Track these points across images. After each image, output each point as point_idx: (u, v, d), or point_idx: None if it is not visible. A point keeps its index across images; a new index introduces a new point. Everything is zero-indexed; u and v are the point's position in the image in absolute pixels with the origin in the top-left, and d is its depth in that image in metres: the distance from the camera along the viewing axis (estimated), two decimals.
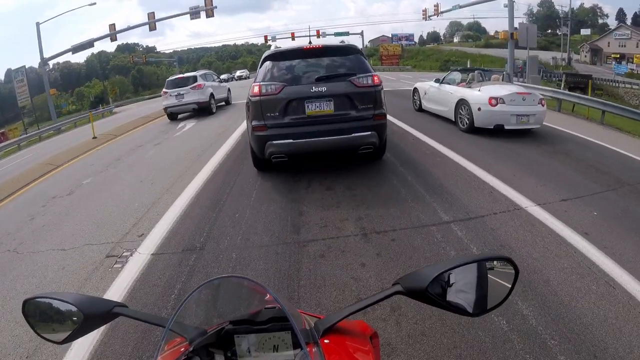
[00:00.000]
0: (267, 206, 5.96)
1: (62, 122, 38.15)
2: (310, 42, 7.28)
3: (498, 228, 4.96)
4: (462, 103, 10.75)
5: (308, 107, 6.40)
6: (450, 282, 1.13)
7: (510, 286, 1.16)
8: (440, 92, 12.23)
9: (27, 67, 43.19)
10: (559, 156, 8.50)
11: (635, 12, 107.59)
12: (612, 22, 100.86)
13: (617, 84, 43.71)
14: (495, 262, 1.18)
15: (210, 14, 36.68)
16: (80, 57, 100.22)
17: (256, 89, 6.51)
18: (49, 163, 13.04)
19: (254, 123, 6.56)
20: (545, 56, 59.65)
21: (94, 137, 16.80)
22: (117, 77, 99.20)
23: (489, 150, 8.76)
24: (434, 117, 12.62)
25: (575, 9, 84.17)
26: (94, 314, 1.23)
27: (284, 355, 1.17)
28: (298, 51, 7.05)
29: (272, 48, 8.47)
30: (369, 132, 6.53)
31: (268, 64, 6.86)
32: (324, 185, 6.64)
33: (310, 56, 7.01)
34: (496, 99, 9.82)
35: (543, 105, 10.34)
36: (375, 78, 6.63)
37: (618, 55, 72.17)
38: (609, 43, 78.08)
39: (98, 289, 4.29)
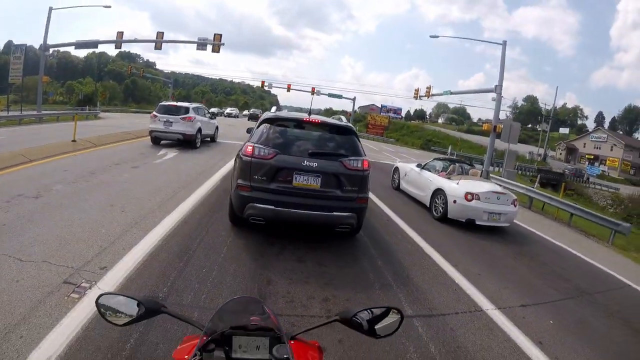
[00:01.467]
0: (236, 267, 5.85)
1: (46, 112, 37.74)
2: (309, 114, 7.39)
3: (458, 328, 5.05)
4: (439, 192, 11.11)
5: (296, 178, 6.47)
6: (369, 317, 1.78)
7: (397, 324, 1.79)
8: (421, 177, 12.65)
9: (27, 45, 42.72)
10: (525, 259, 8.87)
11: (614, 117, 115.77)
12: (590, 124, 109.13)
13: (587, 185, 46.32)
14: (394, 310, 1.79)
15: (216, 49, 37.10)
16: (80, 52, 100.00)
17: (249, 149, 6.58)
18: (21, 154, 12.73)
19: (239, 181, 6.62)
20: (523, 149, 61.87)
21: (73, 140, 16.52)
22: (111, 82, 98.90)
23: (459, 244, 9.01)
24: (410, 198, 13.03)
25: (557, 107, 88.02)
26: (149, 310, 1.72)
27: (261, 353, 1.61)
28: (297, 121, 7.19)
29: (273, 110, 8.63)
30: (350, 214, 6.65)
31: (266, 126, 7.00)
32: (295, 256, 6.57)
33: (307, 128, 7.19)
34: (472, 194, 10.24)
35: (515, 206, 10.83)
36: (365, 162, 6.81)
37: (592, 157, 76.55)
38: (585, 144, 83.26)
39: (51, 316, 4.12)
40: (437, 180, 11.57)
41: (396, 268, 6.76)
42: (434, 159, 14.26)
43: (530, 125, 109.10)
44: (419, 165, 13.44)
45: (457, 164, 12.51)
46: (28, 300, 4.38)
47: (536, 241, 10.92)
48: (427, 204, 11.67)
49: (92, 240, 6.25)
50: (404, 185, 13.87)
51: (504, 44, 29.45)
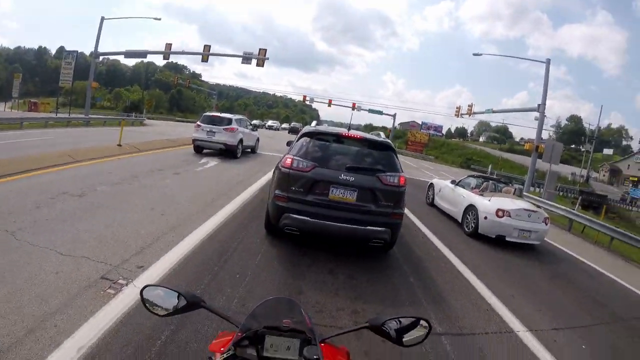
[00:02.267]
0: (268, 275, 5.93)
1: (93, 116, 39.20)
2: (349, 129, 7.46)
3: (486, 348, 4.96)
4: (471, 208, 11.37)
5: (332, 191, 6.52)
6: (397, 326, 1.80)
7: (424, 335, 1.81)
8: (454, 193, 12.93)
9: (78, 52, 44.53)
10: (560, 281, 8.63)
11: None
12: (636, 145, 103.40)
13: (630, 208, 44.93)
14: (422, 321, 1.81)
15: (260, 63, 38.14)
16: (129, 61, 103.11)
17: (288, 161, 6.70)
18: (68, 155, 13.22)
19: (277, 192, 6.71)
20: (565, 170, 60.10)
21: (119, 145, 17.04)
22: (158, 91, 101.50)
23: (494, 264, 8.85)
24: (443, 214, 13.36)
25: (602, 127, 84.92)
26: (190, 303, 1.82)
27: (291, 353, 1.67)
28: (336, 135, 7.26)
29: (313, 124, 8.69)
30: (384, 229, 6.61)
31: (306, 139, 7.09)
32: (327, 268, 6.56)
33: (346, 143, 7.24)
34: (503, 211, 10.40)
35: (547, 224, 10.90)
36: (402, 179, 6.80)
37: (636, 179, 73.61)
38: (629, 165, 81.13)
39: (86, 308, 4.27)
40: (470, 197, 11.83)
41: (428, 284, 6.68)
42: (468, 176, 14.61)
43: (573, 146, 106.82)
44: (453, 182, 13.74)
45: (490, 182, 12.83)
46: (65, 292, 4.57)
47: (573, 264, 10.66)
48: (459, 220, 11.93)
49: (131, 240, 6.47)
50: (437, 201, 14.15)
51: (548, 62, 29.07)
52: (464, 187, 12.86)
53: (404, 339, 1.79)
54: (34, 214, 7.11)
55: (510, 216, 10.35)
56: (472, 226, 11.07)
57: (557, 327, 6.00)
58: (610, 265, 11.52)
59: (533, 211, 10.84)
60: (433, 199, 14.58)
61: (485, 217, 10.62)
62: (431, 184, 15.35)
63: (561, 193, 39.80)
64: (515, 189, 12.74)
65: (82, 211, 7.67)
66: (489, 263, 8.81)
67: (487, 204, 10.86)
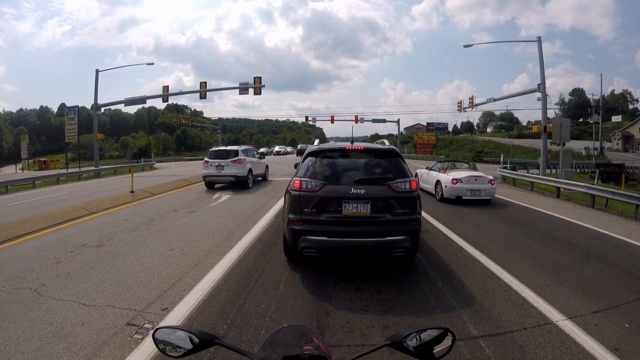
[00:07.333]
0: (294, 300, 5.82)
1: (103, 167, 39.58)
2: (352, 142, 7.43)
3: (527, 345, 4.70)
4: (438, 183, 16.67)
5: (345, 207, 6.43)
6: (418, 341, 1.69)
7: (450, 346, 1.70)
8: (429, 176, 18.25)
9: (80, 106, 45.27)
10: (593, 261, 8.28)
11: None
12: None
13: None
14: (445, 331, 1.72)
15: (257, 92, 39.27)
16: (131, 108, 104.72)
17: (297, 184, 6.66)
18: (83, 207, 13.37)
19: (290, 216, 6.65)
20: (578, 145, 59.28)
21: (132, 192, 17.20)
22: (163, 133, 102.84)
23: (521, 254, 8.60)
24: (427, 193, 17.08)
25: (606, 95, 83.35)
26: (203, 341, 1.74)
27: None
28: (340, 150, 7.25)
29: (316, 143, 8.71)
30: (403, 237, 6.49)
31: (311, 159, 7.06)
32: (353, 285, 6.43)
33: (351, 156, 7.23)
34: (456, 179, 15.58)
35: (493, 184, 15.84)
36: (413, 183, 6.72)
37: None
38: (639, 129, 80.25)
39: (114, 356, 4.28)
40: (437, 175, 17.11)
41: (457, 287, 6.47)
42: (437, 162, 21.46)
43: (581, 120, 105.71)
44: (427, 168, 19.37)
45: (449, 163, 18.46)
46: (93, 342, 4.58)
47: (604, 241, 10.29)
48: (433, 192, 17.10)
49: (153, 284, 6.49)
50: (421, 184, 17.56)
51: (539, 40, 29.21)
52: (434, 170, 18.03)
53: (428, 352, 1.70)
54: (55, 269, 7.25)
55: (462, 182, 15.44)
56: (440, 194, 16.19)
57: (596, 309, 5.68)
58: None
59: (479, 176, 15.82)
60: (419, 184, 17.28)
61: (446, 186, 15.79)
62: (416, 173, 19.23)
63: (578, 170, 39.09)
64: (470, 165, 18.59)
65: (103, 260, 7.76)
66: (517, 254, 8.56)
67: (447, 177, 16.05)
